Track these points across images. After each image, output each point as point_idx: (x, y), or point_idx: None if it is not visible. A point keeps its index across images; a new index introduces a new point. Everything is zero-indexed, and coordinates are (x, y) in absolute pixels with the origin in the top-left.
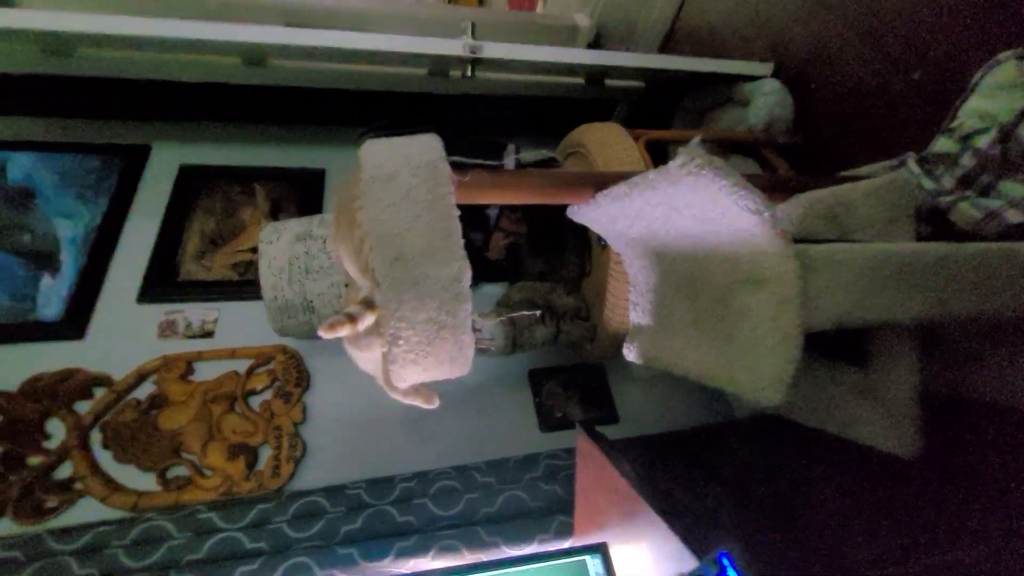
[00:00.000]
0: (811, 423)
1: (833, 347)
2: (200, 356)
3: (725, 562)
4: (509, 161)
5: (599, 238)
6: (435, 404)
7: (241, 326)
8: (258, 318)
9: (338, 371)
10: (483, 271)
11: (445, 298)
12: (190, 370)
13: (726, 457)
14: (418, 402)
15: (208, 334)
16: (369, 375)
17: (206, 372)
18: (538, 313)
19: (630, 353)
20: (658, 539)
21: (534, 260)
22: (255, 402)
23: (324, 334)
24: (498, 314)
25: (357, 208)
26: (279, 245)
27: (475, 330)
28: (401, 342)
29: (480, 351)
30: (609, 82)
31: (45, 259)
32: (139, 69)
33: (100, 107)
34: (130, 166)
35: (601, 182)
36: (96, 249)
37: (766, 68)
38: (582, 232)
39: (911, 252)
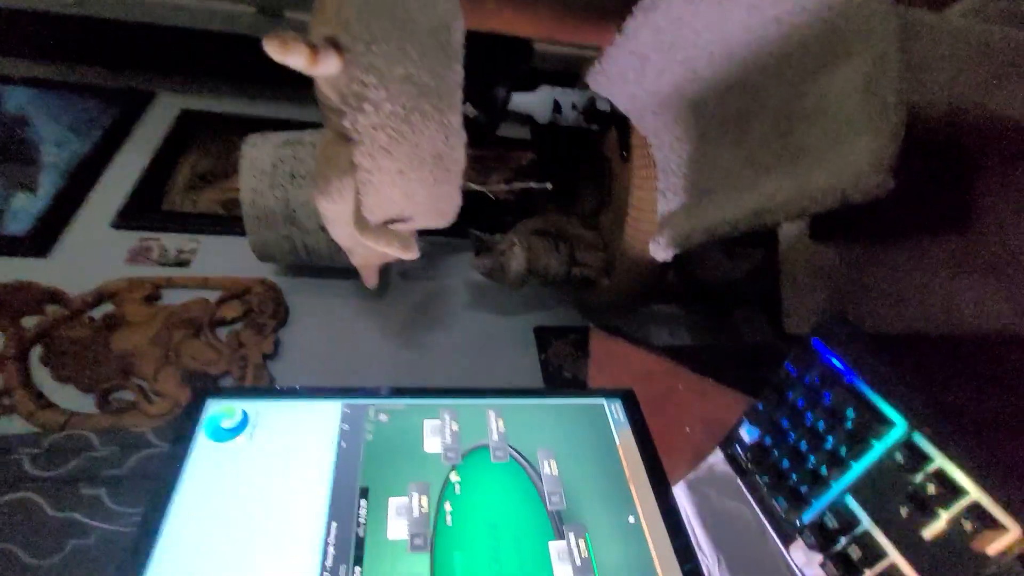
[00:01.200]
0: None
1: None
2: (169, 282)
3: (816, 348)
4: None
5: (621, 151)
6: (415, 254)
7: (221, 259)
8: (241, 253)
9: (320, 310)
10: (490, 215)
11: (430, 47)
12: (156, 295)
13: None
14: (393, 249)
15: (183, 263)
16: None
17: (174, 299)
18: (548, 185)
19: (658, 248)
20: (715, 396)
21: (546, 200)
22: (224, 333)
23: (270, 46)
24: (515, 238)
25: None
26: (264, 148)
27: (487, 244)
28: (369, 108)
29: (490, 273)
30: None
31: (24, 178)
32: (150, 13)
33: (108, 53)
34: (132, 108)
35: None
36: (79, 174)
37: None
38: (597, 162)
39: None
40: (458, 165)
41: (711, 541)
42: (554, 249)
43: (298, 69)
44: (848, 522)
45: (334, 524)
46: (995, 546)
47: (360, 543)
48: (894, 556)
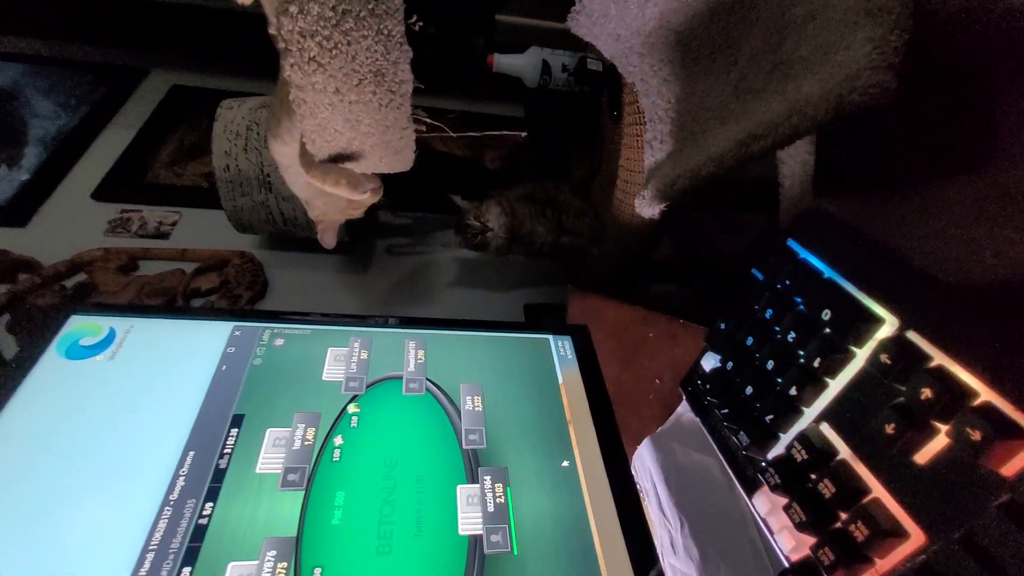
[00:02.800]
0: None
1: None
2: (146, 253)
3: (793, 246)
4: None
5: (612, 108)
6: (365, 195)
7: (202, 232)
8: (222, 226)
9: (301, 284)
10: (481, 182)
11: None
12: (133, 265)
13: None
14: (342, 188)
15: (163, 235)
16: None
17: (151, 271)
18: (523, 134)
19: (644, 203)
20: (685, 339)
21: (537, 170)
22: (197, 304)
23: None
24: (497, 202)
25: None
26: (240, 111)
27: (470, 219)
28: (294, 10)
29: (475, 245)
30: None
31: (9, 152)
32: None
33: (103, 30)
34: (123, 84)
35: None
36: (63, 148)
37: None
38: (589, 127)
39: None
40: (403, 87)
41: (675, 504)
42: (541, 215)
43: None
44: (821, 453)
45: (191, 454)
46: (1014, 461)
47: (219, 475)
48: (877, 490)
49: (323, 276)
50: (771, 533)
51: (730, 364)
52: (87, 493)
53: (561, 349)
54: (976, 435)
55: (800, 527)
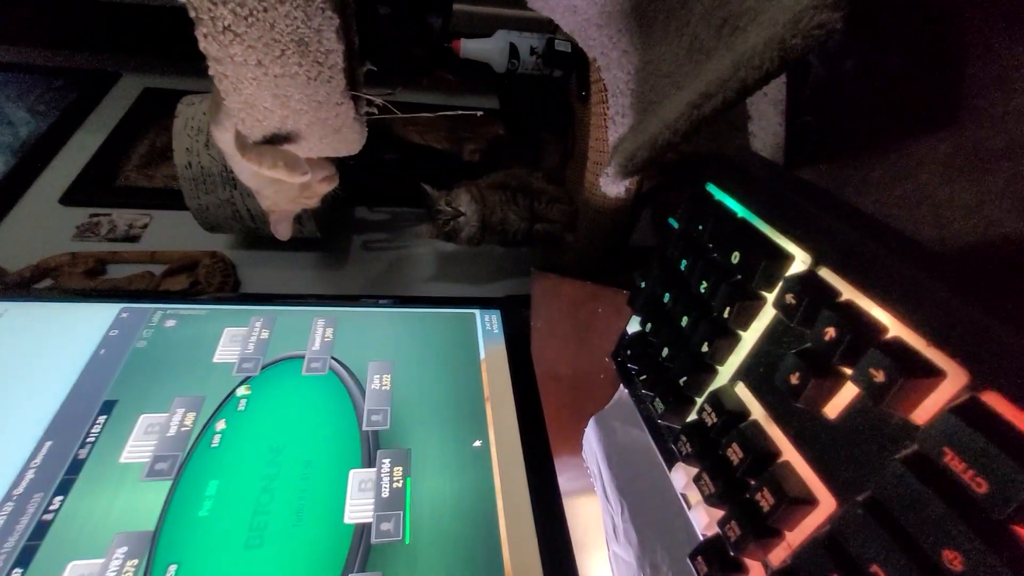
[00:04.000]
0: None
1: None
2: (115, 256)
3: (710, 189)
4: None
5: (580, 88)
6: (304, 176)
7: (173, 234)
8: (194, 227)
9: (275, 282)
10: (458, 174)
11: None
12: (100, 269)
13: None
14: (279, 171)
15: (133, 239)
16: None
17: (120, 274)
18: (479, 112)
19: (608, 181)
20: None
21: (512, 158)
22: None
23: None
24: (467, 190)
25: None
26: (200, 106)
27: (440, 204)
28: None
29: (448, 229)
30: None
31: None
32: None
33: (75, 34)
34: (94, 88)
35: None
36: (31, 153)
37: None
38: (561, 112)
39: None
40: (331, 57)
41: (616, 487)
42: (512, 202)
43: None
44: (731, 415)
45: (48, 444)
46: (926, 404)
47: (77, 466)
48: (788, 453)
49: (298, 274)
50: (688, 508)
51: (649, 326)
52: None
53: (488, 324)
54: (880, 376)
55: (709, 500)
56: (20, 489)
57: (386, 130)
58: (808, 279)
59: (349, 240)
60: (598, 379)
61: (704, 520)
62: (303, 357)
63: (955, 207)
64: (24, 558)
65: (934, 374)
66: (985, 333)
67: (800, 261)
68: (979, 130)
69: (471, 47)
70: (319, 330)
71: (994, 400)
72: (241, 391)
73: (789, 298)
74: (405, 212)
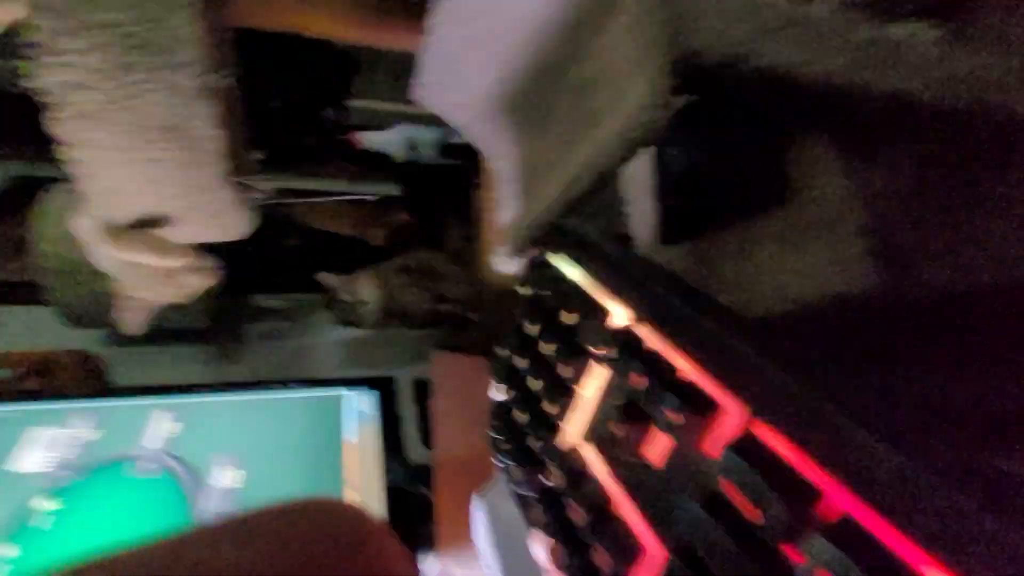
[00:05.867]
0: None
1: None
2: None
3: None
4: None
5: (473, 176)
6: (180, 260)
7: (31, 331)
8: (52, 323)
9: (157, 381)
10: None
11: None
12: None
13: None
14: (150, 256)
15: None
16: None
17: None
18: (373, 196)
19: (499, 260)
20: None
21: (417, 242)
22: None
23: None
24: (368, 277)
25: None
26: (64, 196)
27: (342, 294)
28: (61, 63)
29: (348, 316)
30: None
31: None
32: None
33: None
34: None
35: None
36: None
37: None
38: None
39: None
40: (211, 143)
41: (501, 568)
42: (416, 284)
43: None
44: (575, 475)
45: None
46: (716, 439)
47: None
48: (625, 508)
49: (186, 370)
50: None
51: (512, 392)
52: None
53: (358, 404)
54: (673, 415)
55: (565, 570)
56: None
57: (290, 217)
58: (620, 332)
59: (242, 330)
60: (489, 458)
61: None
62: (135, 457)
63: (789, 273)
64: None
65: (714, 409)
66: (757, 370)
67: (622, 318)
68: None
69: (371, 139)
70: (158, 425)
71: (762, 431)
72: (42, 506)
73: (607, 351)
74: (308, 298)
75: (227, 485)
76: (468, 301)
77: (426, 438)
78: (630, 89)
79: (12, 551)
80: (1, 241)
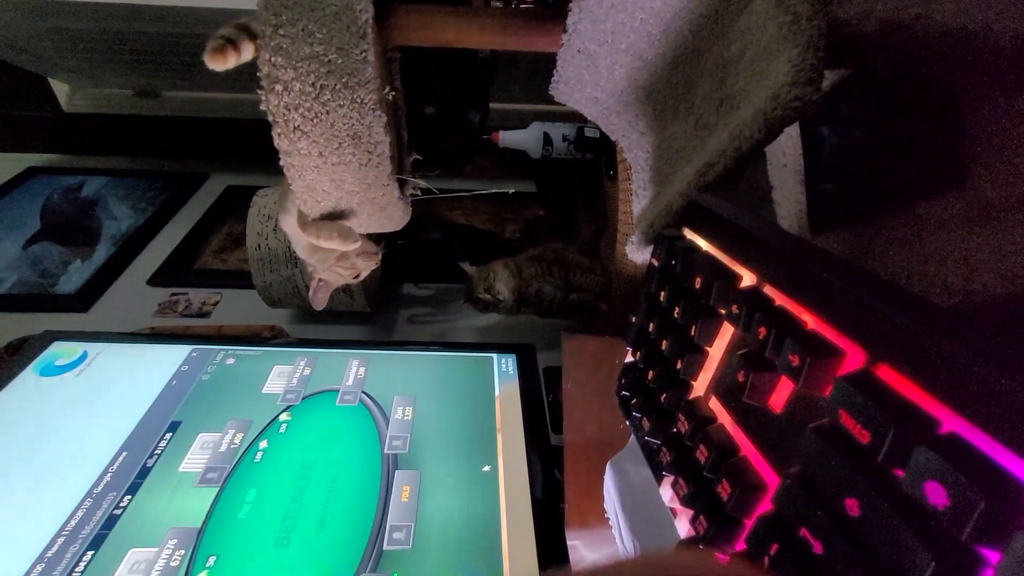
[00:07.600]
0: None
1: None
2: (187, 331)
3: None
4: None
5: (608, 169)
6: (354, 244)
7: (239, 310)
8: (257, 304)
9: None
10: (499, 251)
11: (336, 29)
12: None
13: None
14: (334, 240)
15: (204, 315)
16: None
17: None
18: (510, 190)
19: (632, 248)
20: None
21: (549, 234)
22: None
23: (208, 59)
24: (504, 265)
25: None
26: (271, 197)
27: (481, 290)
28: (279, 88)
29: (486, 306)
30: None
31: (84, 249)
32: (212, 108)
33: (176, 145)
34: (186, 187)
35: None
36: (129, 242)
37: None
38: (593, 189)
39: None
40: (379, 147)
41: (630, 528)
42: (548, 274)
43: (235, 64)
44: (700, 420)
45: (124, 454)
46: (828, 379)
47: (144, 472)
48: (746, 448)
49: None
50: (675, 519)
51: (640, 355)
52: (20, 486)
53: (504, 365)
54: (796, 360)
55: (684, 501)
56: (99, 488)
57: (433, 213)
58: (749, 292)
59: (396, 315)
60: (618, 429)
61: (686, 528)
62: (338, 390)
63: (981, 259)
64: (96, 543)
65: (836, 354)
66: (877, 317)
67: (747, 280)
68: (995, 180)
69: (508, 138)
70: (353, 369)
71: (885, 373)
72: (283, 417)
73: (735, 309)
74: (449, 288)
75: (404, 418)
76: (598, 291)
77: (556, 423)
78: (772, 67)
79: (264, 443)
80: (225, 238)
